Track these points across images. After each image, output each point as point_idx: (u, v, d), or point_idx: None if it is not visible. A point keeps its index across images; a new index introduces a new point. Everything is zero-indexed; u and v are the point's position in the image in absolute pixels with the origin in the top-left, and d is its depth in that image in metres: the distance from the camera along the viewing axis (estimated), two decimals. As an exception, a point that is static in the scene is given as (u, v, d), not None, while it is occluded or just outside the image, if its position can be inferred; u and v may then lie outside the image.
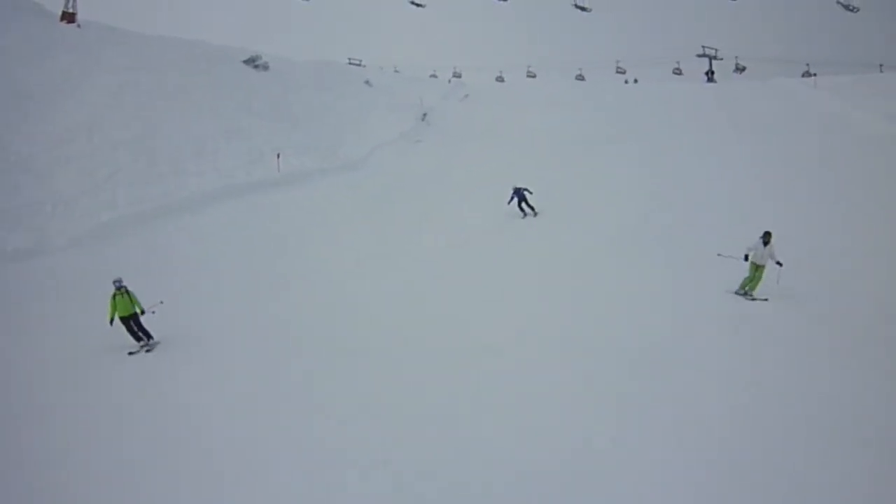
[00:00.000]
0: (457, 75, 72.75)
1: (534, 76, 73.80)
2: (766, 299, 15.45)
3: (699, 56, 64.39)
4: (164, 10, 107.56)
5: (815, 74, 49.13)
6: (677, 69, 67.36)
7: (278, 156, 32.99)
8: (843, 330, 13.73)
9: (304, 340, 15.13)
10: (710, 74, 63.60)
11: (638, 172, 29.70)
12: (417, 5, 53.72)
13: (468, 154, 36.99)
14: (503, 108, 49.35)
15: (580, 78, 71.32)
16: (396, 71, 69.84)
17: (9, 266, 19.91)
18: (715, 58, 64.02)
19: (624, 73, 69.51)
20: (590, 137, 37.92)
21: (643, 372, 12.24)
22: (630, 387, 11.70)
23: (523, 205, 25.12)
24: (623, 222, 23.12)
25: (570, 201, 26.72)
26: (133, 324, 14.33)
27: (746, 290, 15.74)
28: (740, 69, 64.22)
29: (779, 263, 15.34)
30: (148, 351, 14.46)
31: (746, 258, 15.64)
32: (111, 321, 14.16)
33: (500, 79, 74.87)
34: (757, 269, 15.59)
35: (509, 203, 25.13)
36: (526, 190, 25.04)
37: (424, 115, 47.13)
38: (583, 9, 54.37)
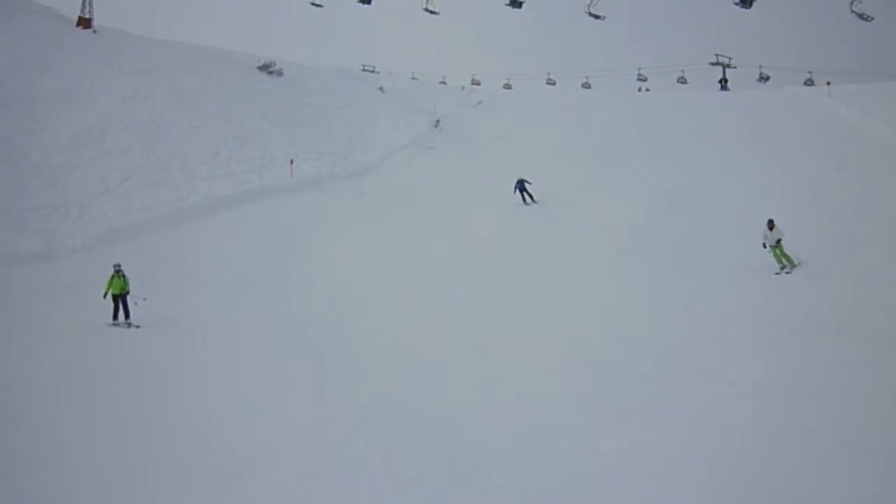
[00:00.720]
0: (475, 83, 72.95)
1: (553, 83, 73.73)
2: (799, 263, 17.63)
3: (712, 64, 64.17)
4: (178, 16, 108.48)
5: (828, 83, 48.70)
6: (682, 78, 67.18)
7: (292, 162, 33.12)
8: (865, 337, 13.52)
9: (310, 341, 15.20)
10: (723, 82, 63.34)
11: (652, 178, 29.51)
12: (431, 13, 53.71)
13: (480, 160, 36.95)
14: (516, 115, 49.31)
15: (586, 86, 71.45)
16: (414, 78, 70.04)
17: (20, 269, 20.00)
18: (728, 66, 63.75)
19: (645, 80, 69.39)
20: (604, 145, 37.78)
21: (652, 376, 12.11)
22: (638, 389, 11.57)
23: (524, 194, 27.92)
24: (637, 227, 22.91)
25: (583, 206, 26.59)
26: (121, 302, 16.48)
27: (783, 265, 17.74)
28: (764, 78, 63.46)
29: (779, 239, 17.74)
30: (128, 328, 16.40)
31: (764, 245, 17.98)
32: (105, 295, 16.26)
33: (507, 86, 75.05)
34: (773, 248, 17.84)
35: (514, 192, 27.79)
36: (526, 181, 27.88)
37: (437, 121, 47.25)
38: (596, 16, 54.22)
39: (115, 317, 16.37)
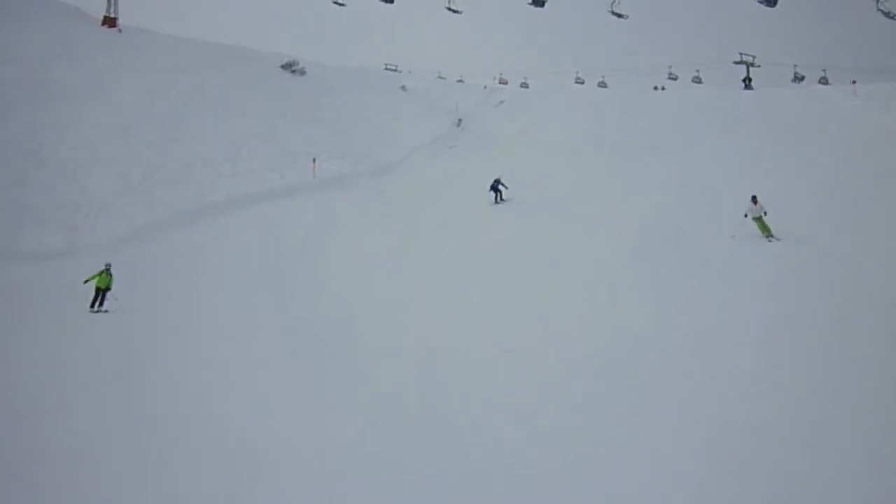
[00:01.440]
0: (503, 82, 72.92)
1: (582, 82, 73.46)
2: (779, 239, 19.88)
3: (736, 63, 63.58)
4: (203, 15, 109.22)
5: (853, 81, 48.13)
6: (696, 77, 66.58)
7: (314, 160, 33.25)
8: (873, 337, 13.38)
9: (330, 340, 15.22)
10: (747, 81, 62.76)
11: (673, 178, 29.26)
12: (454, 11, 53.69)
13: (501, 159, 36.82)
14: (536, 113, 49.18)
15: (602, 85, 71.13)
16: (441, 77, 70.14)
17: (40, 266, 20.29)
18: (752, 65, 63.14)
19: (676, 79, 68.87)
20: (622, 143, 37.52)
21: (662, 376, 12.05)
22: (649, 389, 11.52)
23: (497, 193, 28.94)
24: (650, 227, 22.72)
25: (600, 204, 26.38)
26: (102, 295, 18.73)
27: (766, 235, 20.26)
28: (799, 78, 62.63)
29: (765, 213, 20.32)
30: (104, 312, 18.48)
31: (746, 216, 20.57)
32: (86, 281, 18.69)
33: (524, 85, 74.94)
34: (757, 220, 20.43)
35: (490, 190, 28.98)
36: (501, 183, 29.06)
37: (459, 120, 47.23)
38: (619, 15, 54.04)
39: (93, 305, 18.57)
